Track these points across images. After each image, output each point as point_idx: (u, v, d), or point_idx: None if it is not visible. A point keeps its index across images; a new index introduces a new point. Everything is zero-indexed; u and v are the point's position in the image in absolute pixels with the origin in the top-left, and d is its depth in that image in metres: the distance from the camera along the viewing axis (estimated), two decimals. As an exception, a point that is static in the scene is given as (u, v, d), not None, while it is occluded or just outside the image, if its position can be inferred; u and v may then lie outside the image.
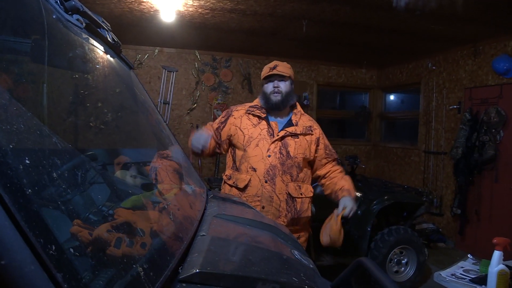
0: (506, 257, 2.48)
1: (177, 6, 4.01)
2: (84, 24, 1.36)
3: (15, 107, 0.69)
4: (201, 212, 1.44)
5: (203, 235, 1.17)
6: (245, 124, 2.47)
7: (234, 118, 2.52)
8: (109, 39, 1.66)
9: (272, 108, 2.47)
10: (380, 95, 7.30)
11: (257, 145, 2.39)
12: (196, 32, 5.12)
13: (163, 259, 0.90)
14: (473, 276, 2.32)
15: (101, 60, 1.58)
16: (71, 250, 0.62)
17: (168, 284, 0.85)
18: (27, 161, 0.63)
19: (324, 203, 3.93)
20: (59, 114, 1.66)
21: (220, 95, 6.34)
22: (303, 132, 2.46)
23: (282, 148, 2.39)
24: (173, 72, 6.15)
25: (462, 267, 2.51)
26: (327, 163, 2.56)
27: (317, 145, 2.51)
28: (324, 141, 2.55)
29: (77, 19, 1.33)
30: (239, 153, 2.46)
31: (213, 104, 6.31)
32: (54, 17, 1.18)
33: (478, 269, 2.43)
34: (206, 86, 6.34)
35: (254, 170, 2.37)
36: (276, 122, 2.47)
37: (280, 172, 2.35)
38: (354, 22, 4.35)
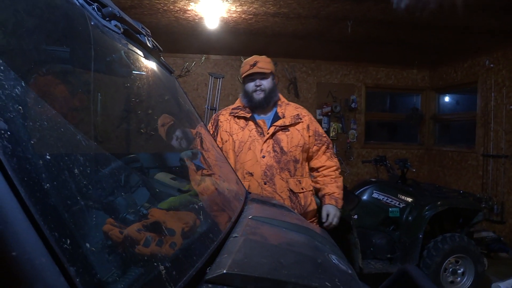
0: None
1: (221, 13, 4.06)
2: (122, 30, 1.39)
3: (40, 105, 0.71)
4: (237, 213, 1.42)
5: (236, 236, 1.15)
6: (234, 129, 2.42)
7: (221, 122, 2.48)
8: (148, 44, 1.69)
9: (256, 107, 2.41)
10: (433, 96, 6.96)
11: (249, 149, 2.34)
12: (241, 38, 5.17)
13: (190, 259, 0.89)
14: (537, 289, 2.13)
15: (140, 65, 1.61)
16: (88, 245, 0.62)
17: (194, 284, 0.84)
18: (48, 157, 0.64)
19: (367, 210, 3.81)
20: (106, 118, 1.72)
21: (266, 100, 6.34)
22: (293, 123, 2.39)
23: (275, 145, 2.34)
24: (220, 79, 6.24)
25: (525, 279, 2.32)
26: (318, 150, 2.46)
27: (309, 132, 2.44)
28: (313, 126, 2.46)
29: (115, 25, 1.36)
30: (232, 159, 2.40)
31: (259, 109, 6.32)
32: (92, 23, 1.22)
33: (543, 281, 2.23)
34: (252, 91, 6.36)
35: (251, 174, 2.32)
36: (264, 120, 2.41)
37: (278, 170, 2.30)
38: (402, 20, 4.18)
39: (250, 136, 2.36)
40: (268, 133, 2.35)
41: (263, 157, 2.31)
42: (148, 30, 1.75)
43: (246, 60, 2.46)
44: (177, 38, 5.24)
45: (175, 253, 0.89)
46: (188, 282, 0.79)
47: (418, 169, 6.73)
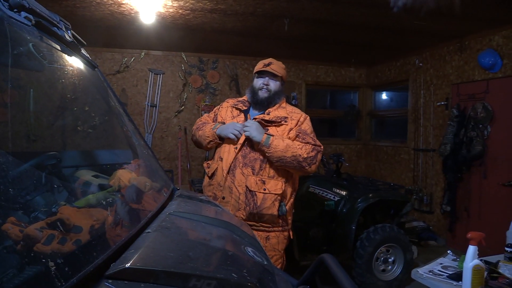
0: (495, 252, 2.46)
1: (157, 7, 3.99)
2: (33, 22, 1.33)
3: None
4: (157, 209, 1.41)
5: (149, 232, 1.14)
6: (227, 116, 2.56)
7: (222, 108, 2.64)
8: (67, 37, 1.62)
9: (257, 103, 2.50)
10: (369, 94, 7.28)
11: (229, 137, 2.43)
12: (181, 34, 5.10)
13: (90, 255, 0.87)
14: (450, 272, 2.30)
15: (55, 59, 1.55)
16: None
17: (91, 281, 0.82)
18: None
19: (304, 204, 3.90)
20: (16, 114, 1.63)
21: (207, 97, 6.32)
22: (273, 121, 2.40)
23: (249, 140, 2.38)
24: (160, 75, 6.13)
25: (441, 264, 2.49)
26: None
27: (292, 133, 2.41)
28: (300, 128, 2.43)
29: (25, 17, 1.29)
30: (219, 143, 2.53)
31: (200, 106, 6.28)
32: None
33: (457, 265, 2.40)
34: (194, 88, 6.31)
35: (221, 160, 2.42)
36: (250, 115, 2.51)
37: (241, 164, 2.37)
38: (336, 19, 4.32)
39: None
40: None
41: (236, 148, 2.39)
42: (68, 23, 1.68)
43: (262, 60, 2.55)
44: (114, 33, 5.07)
45: (73, 250, 0.87)
46: (83, 278, 0.78)
47: (355, 163, 7.02)
